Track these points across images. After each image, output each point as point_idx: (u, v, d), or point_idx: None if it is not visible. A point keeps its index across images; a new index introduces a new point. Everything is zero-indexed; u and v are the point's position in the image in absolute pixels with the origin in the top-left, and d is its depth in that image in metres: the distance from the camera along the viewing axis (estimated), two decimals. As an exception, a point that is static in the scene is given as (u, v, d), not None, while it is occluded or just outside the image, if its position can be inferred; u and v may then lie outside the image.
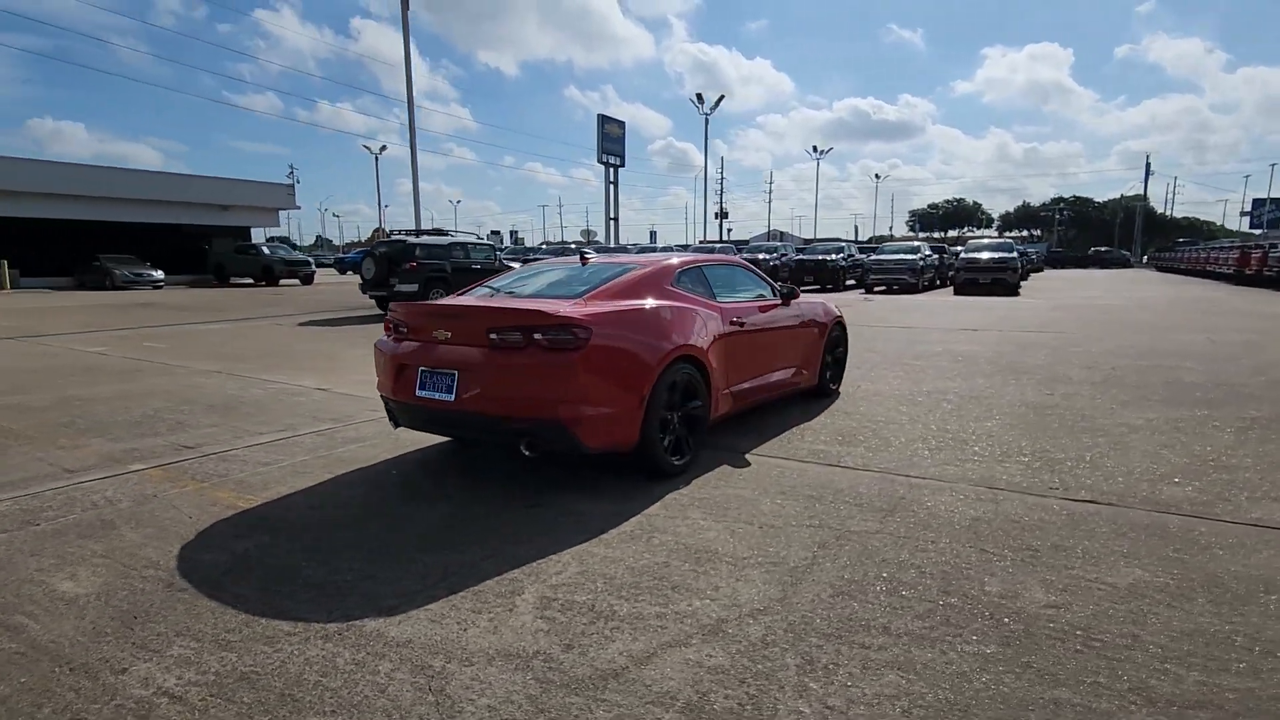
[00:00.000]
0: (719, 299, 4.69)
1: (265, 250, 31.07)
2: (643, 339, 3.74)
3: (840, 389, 6.33)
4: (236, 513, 3.45)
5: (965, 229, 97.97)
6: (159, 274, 27.04)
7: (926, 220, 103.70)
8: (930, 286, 23.94)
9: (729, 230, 69.37)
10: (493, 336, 3.51)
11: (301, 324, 13.78)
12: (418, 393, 3.73)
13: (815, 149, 73.99)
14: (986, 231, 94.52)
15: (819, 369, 5.88)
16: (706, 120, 45.71)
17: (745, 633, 2.30)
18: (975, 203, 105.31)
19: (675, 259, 4.65)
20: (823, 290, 22.70)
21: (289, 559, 2.92)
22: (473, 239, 17.54)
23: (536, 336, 3.44)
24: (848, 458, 4.30)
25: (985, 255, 21.76)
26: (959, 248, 31.68)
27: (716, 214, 62.79)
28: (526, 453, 3.52)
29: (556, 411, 3.41)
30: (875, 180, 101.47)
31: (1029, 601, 2.48)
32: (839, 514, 3.34)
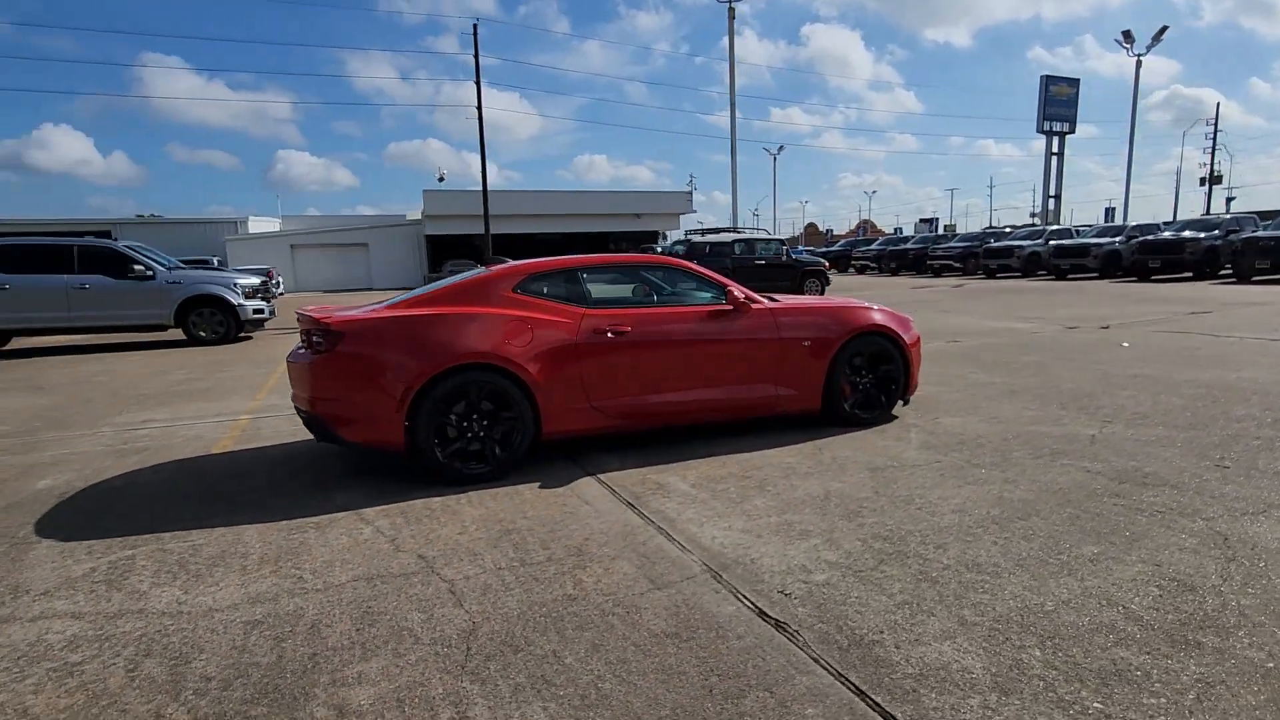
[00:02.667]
0: (592, 305, 4.37)
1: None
2: (402, 345, 3.90)
3: (903, 416, 4.94)
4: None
5: None
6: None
7: None
8: None
9: (1230, 199, 51.60)
10: (303, 339, 4.19)
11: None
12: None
13: None
14: None
15: (821, 390, 4.76)
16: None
17: (146, 614, 2.58)
18: None
19: (531, 263, 4.49)
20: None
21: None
22: (761, 235, 17.58)
23: (313, 339, 3.99)
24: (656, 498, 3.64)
25: None
26: None
27: (1204, 179, 47.47)
28: (319, 441, 4.11)
29: (315, 406, 3.92)
30: None
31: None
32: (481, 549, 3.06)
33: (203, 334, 12.06)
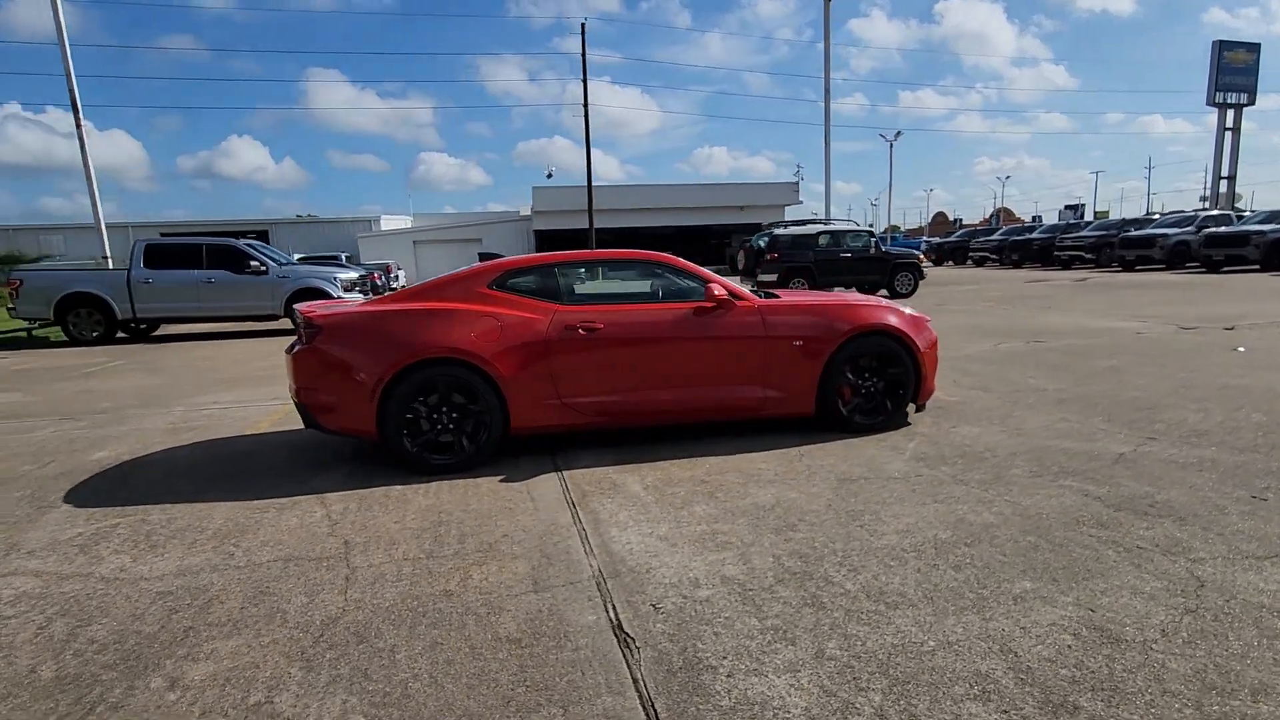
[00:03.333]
0: (568, 301, 4.35)
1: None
2: (374, 339, 4.07)
3: (917, 423, 4.58)
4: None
5: None
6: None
7: None
8: None
9: None
10: (297, 332, 4.47)
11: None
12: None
13: None
14: None
15: (815, 393, 4.49)
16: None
17: (91, 578, 2.87)
18: None
19: (509, 260, 4.52)
20: None
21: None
22: (849, 226, 16.70)
23: (301, 332, 4.25)
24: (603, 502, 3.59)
25: None
26: None
27: None
28: (306, 427, 4.38)
29: (300, 395, 4.18)
30: None
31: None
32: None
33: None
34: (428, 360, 4.04)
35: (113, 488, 4.10)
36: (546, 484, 3.87)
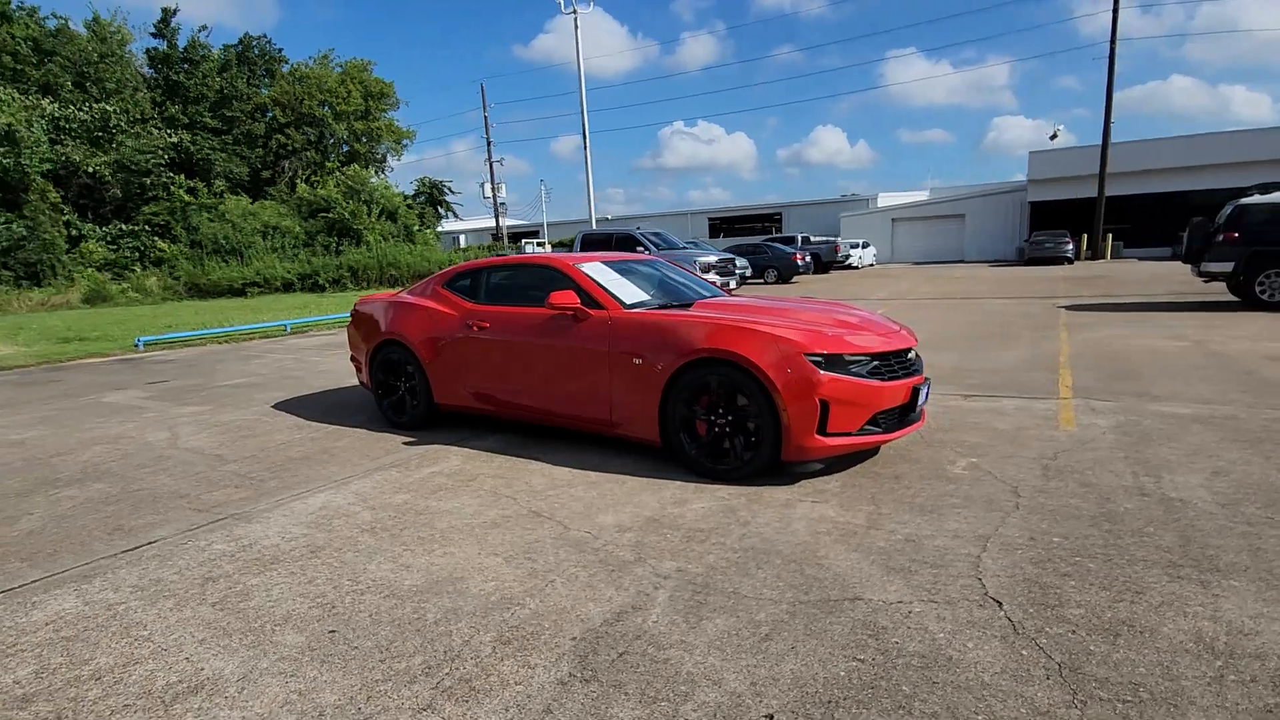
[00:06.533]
0: (480, 302, 4.87)
1: None
2: (364, 322, 5.44)
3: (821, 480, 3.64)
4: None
5: None
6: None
7: None
8: None
9: None
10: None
11: None
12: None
13: None
14: None
15: (656, 422, 3.92)
16: None
17: (167, 443, 5.18)
18: None
19: (462, 264, 5.18)
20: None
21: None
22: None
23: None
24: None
25: None
26: None
27: None
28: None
29: (352, 358, 5.88)
30: None
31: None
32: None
33: (670, 300, 15.44)
34: (384, 342, 5.24)
35: (313, 408, 6.62)
36: (436, 451, 4.58)
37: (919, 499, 3.36)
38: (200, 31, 42.24)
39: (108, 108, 29.63)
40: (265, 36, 44.19)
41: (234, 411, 6.11)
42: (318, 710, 1.96)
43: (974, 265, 30.12)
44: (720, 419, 3.74)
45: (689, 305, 4.40)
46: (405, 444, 4.79)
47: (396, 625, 2.40)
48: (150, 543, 3.22)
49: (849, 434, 3.59)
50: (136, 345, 11.04)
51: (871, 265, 33.04)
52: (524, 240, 39.08)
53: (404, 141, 42.59)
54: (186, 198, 31.43)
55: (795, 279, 22.28)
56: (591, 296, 4.32)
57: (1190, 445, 4.04)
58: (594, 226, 21.73)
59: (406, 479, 4.02)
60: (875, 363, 3.68)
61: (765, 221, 44.53)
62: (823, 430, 3.51)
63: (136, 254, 29.79)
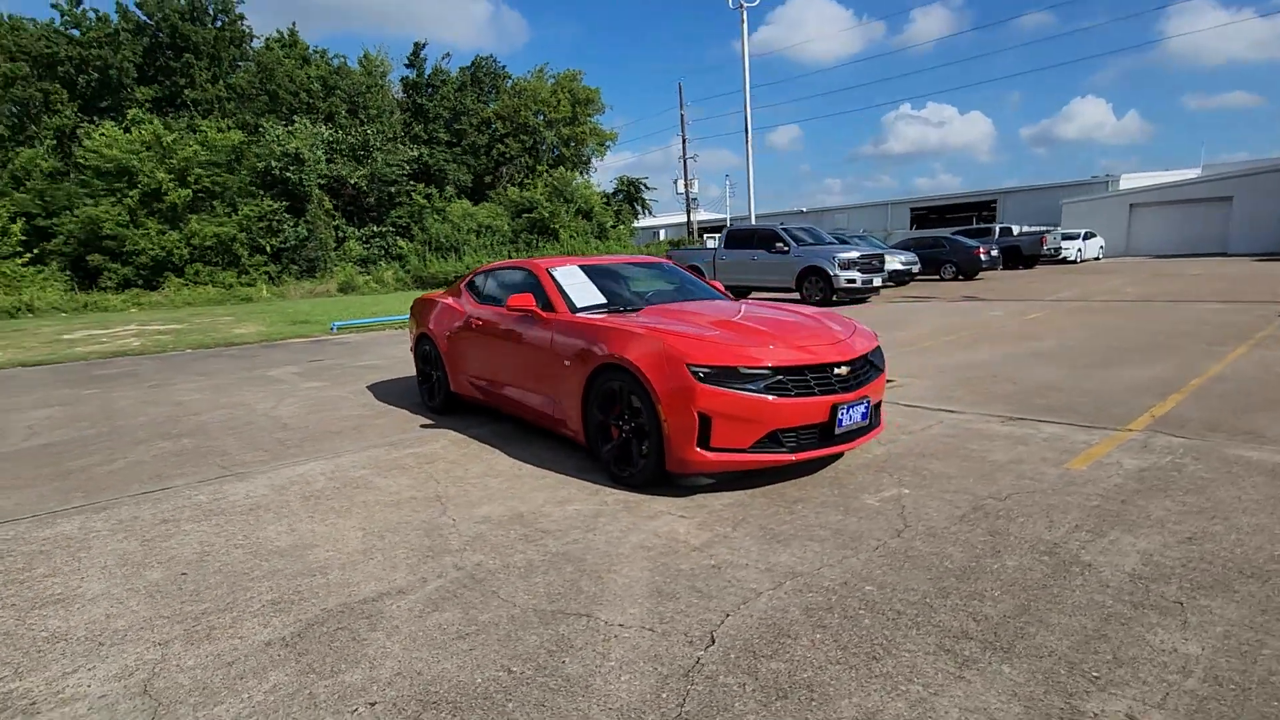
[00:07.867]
0: (481, 301, 5.30)
1: None
2: (414, 317, 6.11)
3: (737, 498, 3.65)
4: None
5: None
6: None
7: None
8: None
9: None
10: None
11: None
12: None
13: None
14: None
15: (581, 424, 4.06)
16: None
17: (266, 412, 6.39)
18: None
19: (483, 266, 5.55)
20: None
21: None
22: None
23: (424, 308, 6.67)
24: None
25: None
26: None
27: None
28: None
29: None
30: None
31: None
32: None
33: (816, 297, 14.81)
34: (420, 335, 5.93)
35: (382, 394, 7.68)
36: (434, 434, 5.20)
37: (784, 528, 3.12)
38: (444, 60, 48.63)
39: (368, 131, 35.61)
40: (492, 57, 49.67)
41: (338, 388, 7.25)
42: (109, 628, 2.49)
43: (1233, 261, 24.24)
44: (626, 425, 3.77)
45: (636, 310, 4.42)
46: (422, 426, 5.41)
47: (228, 576, 2.89)
48: (162, 489, 4.11)
49: (739, 450, 3.42)
50: (332, 329, 13.33)
51: (1097, 259, 28.15)
52: (706, 235, 39.55)
53: (606, 143, 45.18)
54: (423, 202, 36.61)
55: (980, 275, 19.88)
56: (549, 299, 4.53)
57: (1205, 502, 3.19)
58: (753, 221, 21.50)
59: (385, 457, 4.59)
60: (778, 377, 3.44)
61: (980, 210, 40.10)
62: (704, 444, 3.39)
63: (383, 251, 35.41)
